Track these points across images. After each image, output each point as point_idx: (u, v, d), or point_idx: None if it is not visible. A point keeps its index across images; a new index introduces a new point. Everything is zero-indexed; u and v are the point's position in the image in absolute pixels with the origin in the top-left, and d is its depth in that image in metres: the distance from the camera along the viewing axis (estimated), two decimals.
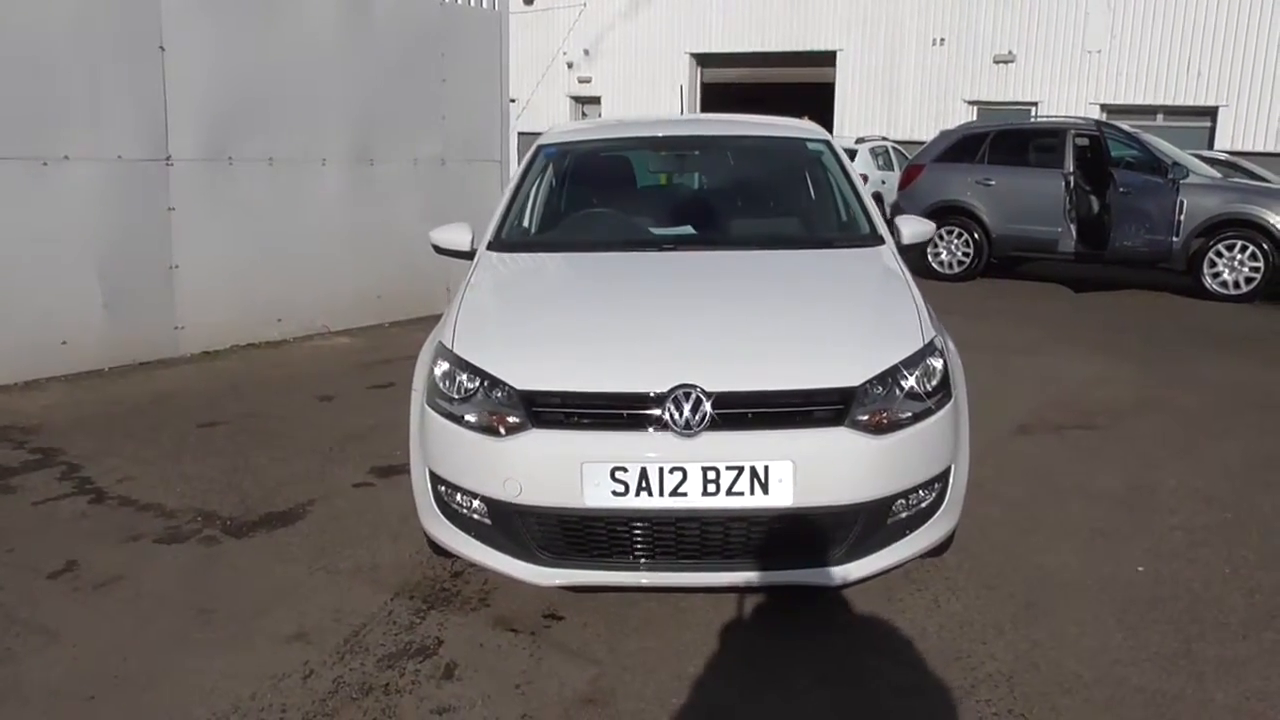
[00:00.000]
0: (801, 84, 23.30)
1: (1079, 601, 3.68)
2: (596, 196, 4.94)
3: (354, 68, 8.78)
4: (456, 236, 4.62)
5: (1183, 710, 2.97)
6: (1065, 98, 20.03)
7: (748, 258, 4.16)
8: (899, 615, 3.57)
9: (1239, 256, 11.36)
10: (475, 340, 3.54)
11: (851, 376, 3.28)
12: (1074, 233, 12.28)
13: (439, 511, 3.56)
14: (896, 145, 18.88)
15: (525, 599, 3.70)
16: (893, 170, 18.32)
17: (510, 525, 3.33)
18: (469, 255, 4.58)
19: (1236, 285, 11.39)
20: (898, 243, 4.36)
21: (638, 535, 3.23)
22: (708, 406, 3.16)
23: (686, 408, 3.17)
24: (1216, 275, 11.48)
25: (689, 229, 4.57)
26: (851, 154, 17.59)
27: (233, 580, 3.89)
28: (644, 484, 3.15)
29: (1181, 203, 11.47)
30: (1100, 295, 11.86)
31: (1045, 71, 20.31)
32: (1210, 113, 18.75)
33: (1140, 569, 3.96)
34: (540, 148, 4.89)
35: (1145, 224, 11.64)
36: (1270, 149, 17.98)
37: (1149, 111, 19.02)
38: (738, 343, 3.44)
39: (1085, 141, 12.45)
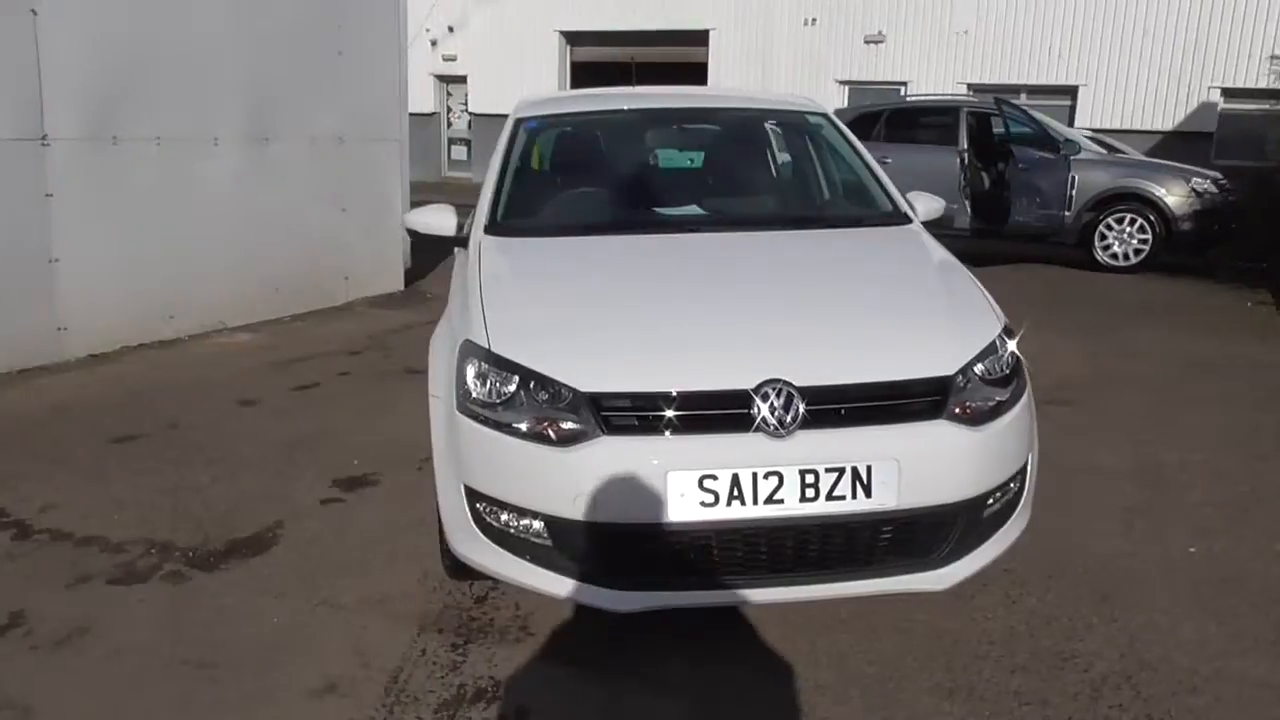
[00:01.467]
0: (675, 64, 23.06)
1: (1151, 588, 3.52)
2: (593, 173, 4.51)
3: (246, 37, 8.00)
4: (440, 220, 4.12)
5: None
6: (934, 77, 20.41)
7: (781, 238, 3.81)
8: (981, 616, 3.32)
9: (1128, 230, 11.72)
10: (515, 337, 3.08)
11: (945, 365, 2.99)
12: (968, 209, 12.43)
13: (478, 532, 3.10)
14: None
15: (572, 625, 3.29)
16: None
17: (579, 546, 2.91)
18: (455, 241, 4.10)
19: (1126, 257, 11.75)
20: None
21: (729, 549, 2.86)
22: (800, 403, 2.82)
23: (779, 405, 2.82)
24: (1107, 248, 11.82)
25: (698, 208, 4.19)
26: None
27: (221, 624, 3.33)
28: (736, 492, 2.79)
29: (1073, 178, 11.76)
30: (1000, 269, 12.04)
31: (914, 51, 20.64)
32: (1071, 91, 19.42)
33: (1192, 550, 3.84)
34: (520, 121, 4.41)
35: (1039, 199, 11.90)
36: (1125, 126, 18.73)
37: (1013, 90, 19.53)
38: (813, 332, 3.11)
39: (973, 120, 12.63)
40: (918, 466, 2.86)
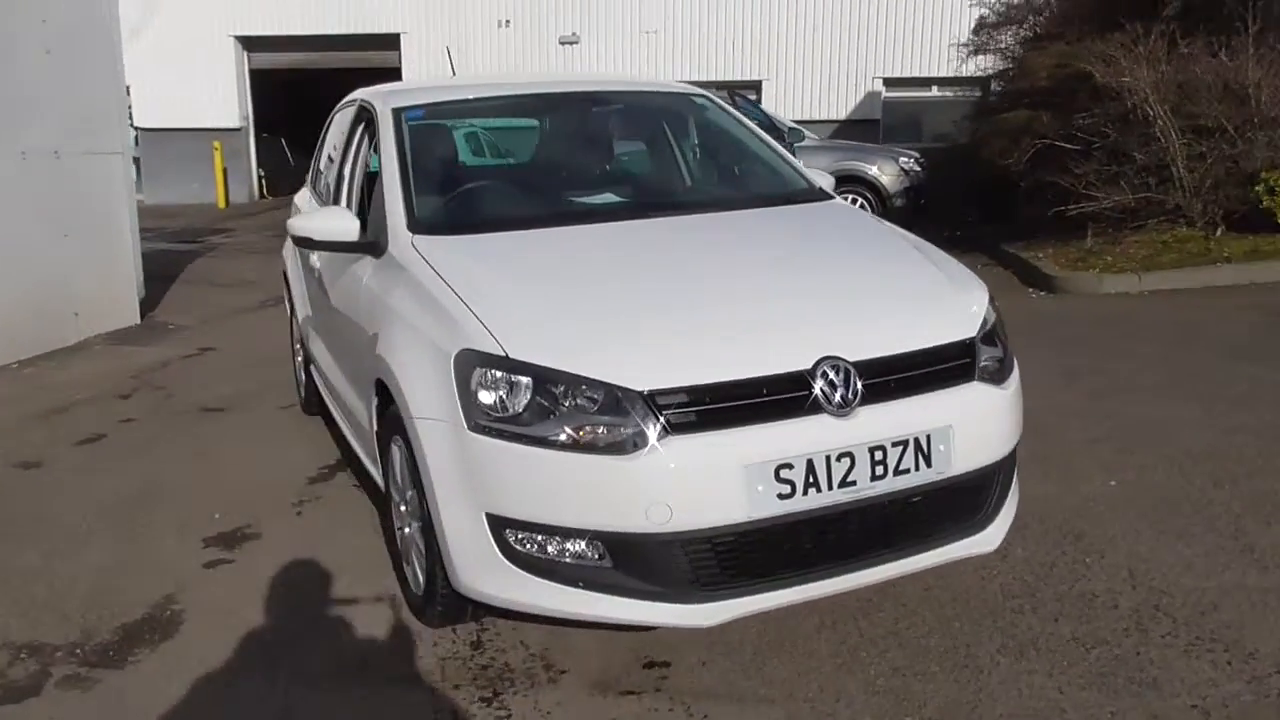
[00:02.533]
0: (367, 69, 22.11)
1: (1109, 523, 3.68)
2: (499, 163, 4.13)
3: None
4: (339, 224, 3.60)
5: None
6: (632, 74, 20.95)
7: (729, 219, 3.62)
8: (984, 573, 3.34)
9: None
10: (533, 339, 2.72)
11: (966, 328, 2.99)
12: None
13: (508, 563, 2.72)
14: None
15: (601, 653, 2.98)
16: None
17: (651, 562, 2.62)
18: (360, 248, 3.60)
19: None
20: None
21: (807, 540, 2.69)
22: (857, 379, 2.70)
23: (839, 383, 2.68)
24: None
25: (621, 195, 3.93)
26: None
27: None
28: (812, 479, 2.62)
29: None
30: None
31: (609, 52, 21.03)
32: (756, 85, 20.56)
33: (1112, 483, 4.09)
34: (399, 112, 3.94)
35: None
36: (806, 116, 20.11)
37: (704, 86, 20.49)
38: (843, 307, 2.98)
39: None
40: (967, 429, 2.83)
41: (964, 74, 17.99)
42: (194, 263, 12.32)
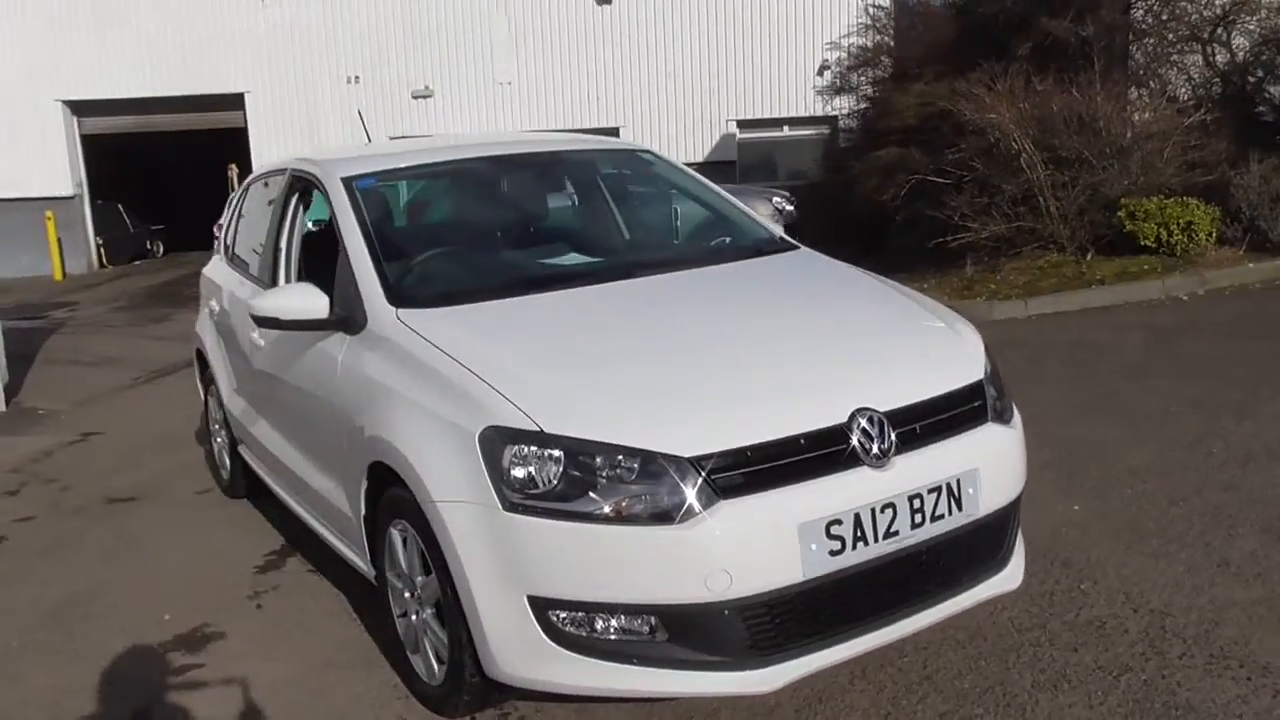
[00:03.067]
0: (212, 130, 21.32)
1: (1087, 547, 3.80)
2: (468, 230, 4.00)
3: None
4: (306, 303, 3.40)
5: None
6: (485, 128, 20.83)
7: (712, 275, 3.58)
8: (988, 607, 3.39)
9: None
10: (564, 411, 2.63)
11: (974, 370, 3.06)
12: None
13: (556, 646, 2.60)
14: None
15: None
16: None
17: (706, 632, 2.55)
18: (330, 325, 3.42)
19: None
20: None
21: (856, 594, 2.67)
22: (890, 429, 2.72)
23: (875, 434, 2.69)
24: None
25: (603, 254, 3.88)
26: None
27: None
28: (859, 532, 2.62)
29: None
30: None
31: (464, 104, 20.92)
32: (614, 132, 20.82)
33: (1076, 508, 4.23)
34: (349, 181, 3.77)
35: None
36: None
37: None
38: (860, 358, 2.99)
39: None
40: (990, 470, 2.88)
41: (815, 114, 18.77)
42: (49, 340, 11.57)
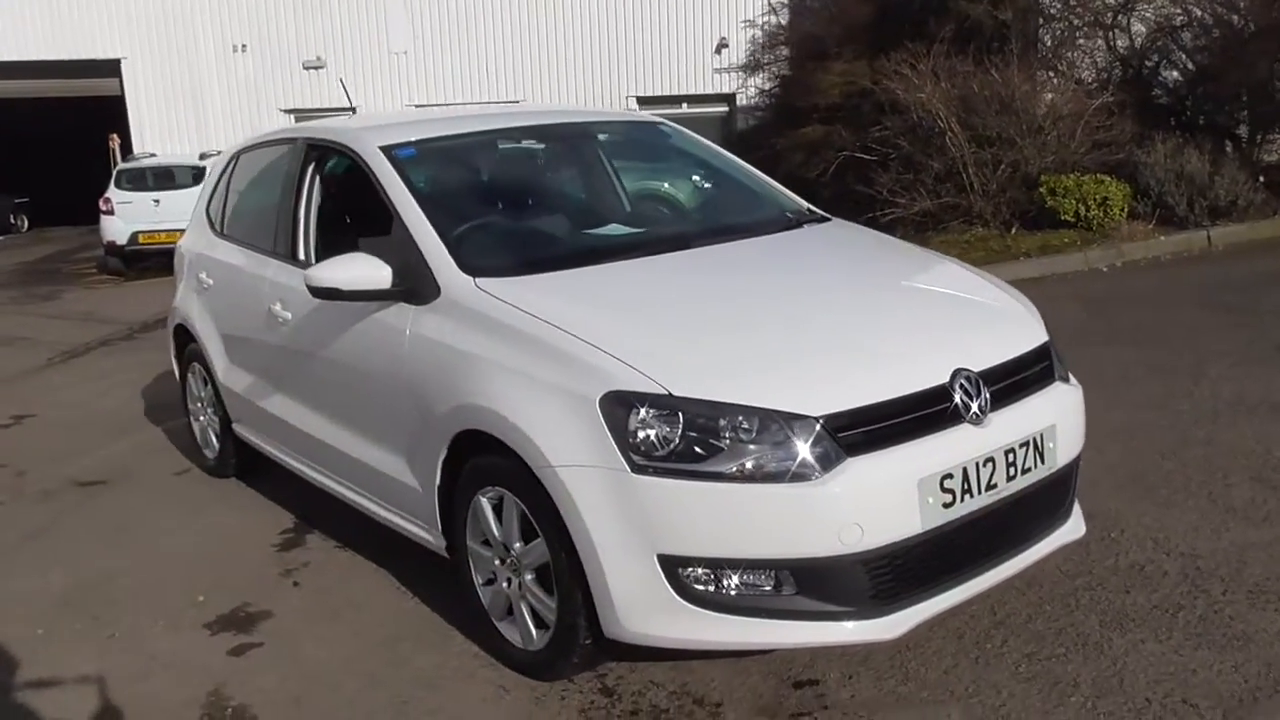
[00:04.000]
0: (87, 97, 20.19)
1: (1100, 497, 4.03)
2: (508, 201, 3.96)
3: None
4: (369, 273, 3.33)
5: None
6: (381, 100, 20.33)
7: (774, 245, 3.63)
8: None
9: None
10: (687, 374, 2.69)
11: (1038, 331, 3.24)
12: None
13: (684, 602, 2.67)
14: None
15: (741, 682, 2.97)
16: None
17: (833, 584, 2.66)
18: (388, 296, 3.37)
19: None
20: None
21: (961, 543, 2.81)
22: (985, 388, 2.88)
23: (973, 393, 2.84)
24: None
25: (657, 223, 3.92)
26: (202, 171, 15.91)
27: None
28: (966, 486, 2.77)
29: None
30: None
31: (357, 74, 20.33)
32: (515, 104, 20.69)
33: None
34: (388, 150, 3.71)
35: None
36: None
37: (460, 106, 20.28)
38: (944, 321, 3.15)
39: None
40: (1065, 425, 3.08)
41: (714, 92, 18.99)
42: None
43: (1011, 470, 2.87)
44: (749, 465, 2.60)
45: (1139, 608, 3.22)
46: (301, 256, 4.14)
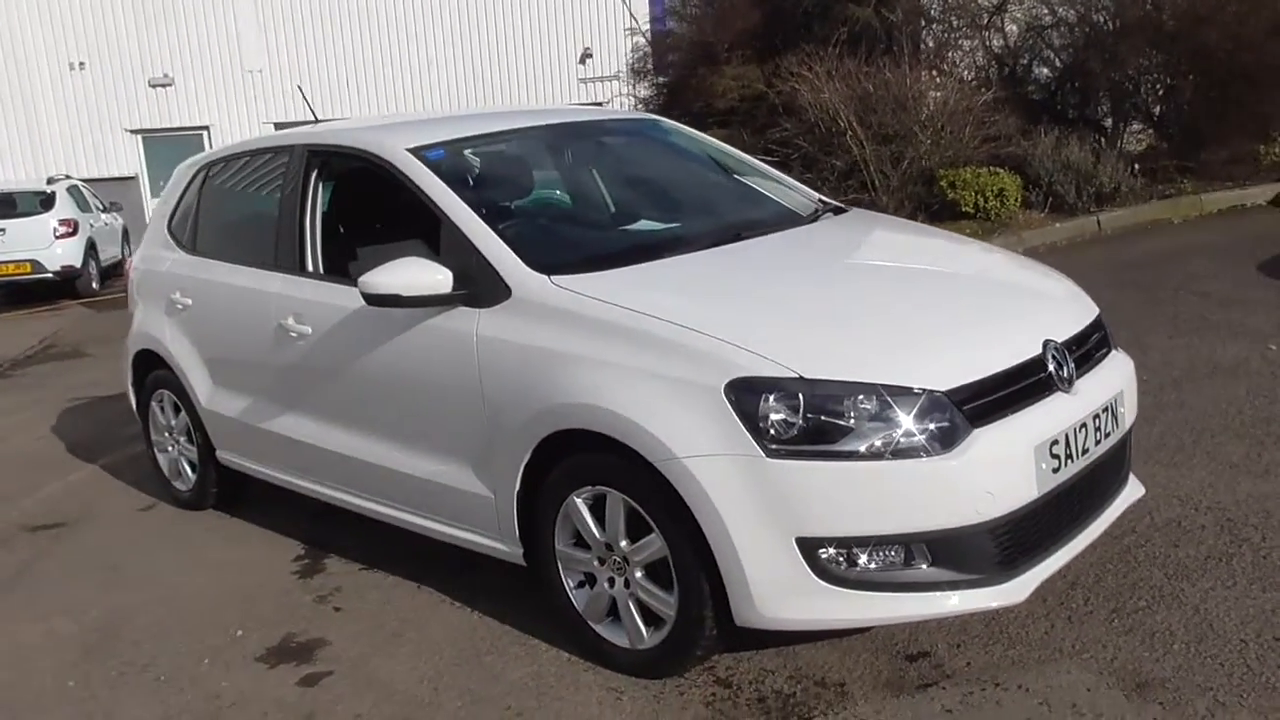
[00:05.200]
0: None
1: None
2: (540, 199, 3.87)
3: None
4: (430, 277, 3.21)
5: None
6: (236, 118, 19.54)
7: (810, 234, 3.68)
8: None
9: None
10: (812, 356, 2.72)
11: (1091, 306, 3.40)
12: None
13: (822, 583, 2.69)
14: (85, 182, 16.56)
15: (854, 660, 3.01)
16: (97, 212, 16.03)
17: (965, 554, 2.72)
18: (450, 301, 3.27)
19: None
20: None
21: (1063, 506, 2.93)
22: (1069, 357, 3.01)
23: (1062, 362, 2.97)
24: None
25: (669, 222, 3.88)
26: (50, 197, 14.95)
27: None
28: (1069, 451, 2.89)
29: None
30: None
31: (211, 93, 19.50)
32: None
33: None
34: (417, 152, 3.59)
35: None
36: None
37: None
38: (1013, 297, 3.28)
39: None
40: (1129, 391, 3.25)
41: (584, 103, 19.07)
42: None
43: (1098, 435, 3.01)
44: (880, 443, 2.64)
45: (1193, 559, 3.41)
46: (311, 268, 3.96)
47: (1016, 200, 9.60)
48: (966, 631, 3.11)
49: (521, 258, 3.23)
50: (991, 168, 9.68)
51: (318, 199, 4.00)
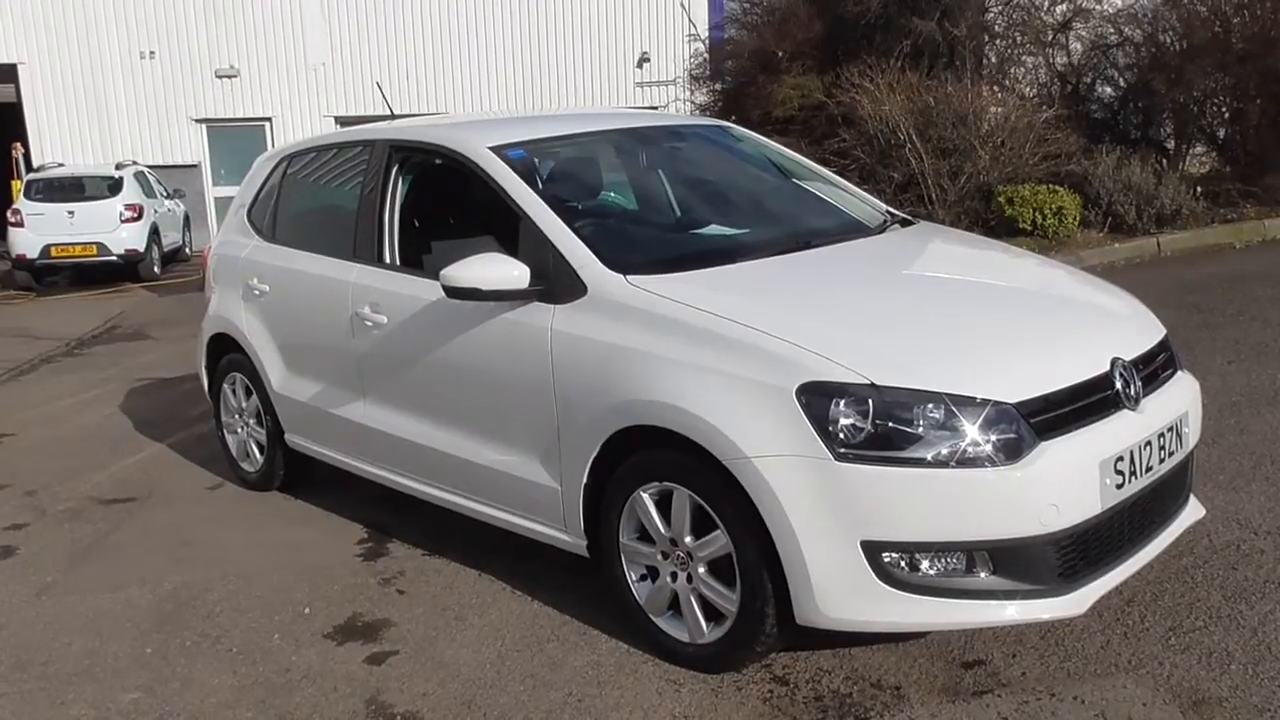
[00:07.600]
0: None
1: None
2: (613, 201, 3.97)
3: None
4: (509, 272, 3.32)
5: None
6: (298, 111, 19.89)
7: (880, 244, 3.75)
8: None
9: None
10: (887, 363, 2.78)
11: (1158, 326, 3.42)
12: None
13: (885, 586, 2.74)
14: (151, 169, 16.95)
15: (911, 665, 3.05)
16: (161, 199, 16.40)
17: (1027, 564, 2.76)
18: (526, 296, 3.36)
19: None
20: None
21: (1126, 522, 2.97)
22: (1136, 375, 3.04)
23: (1130, 380, 3.00)
24: None
25: (739, 228, 3.96)
26: (118, 182, 15.33)
27: None
28: (1134, 468, 2.92)
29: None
30: None
31: (274, 86, 19.85)
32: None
33: None
34: (498, 150, 3.71)
35: None
36: None
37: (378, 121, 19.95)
38: (1083, 314, 3.32)
39: None
40: (1193, 412, 3.27)
41: (640, 107, 19.17)
42: None
43: (1162, 453, 3.03)
44: (946, 451, 2.69)
45: (1252, 582, 3.42)
46: (388, 259, 4.08)
47: (1075, 219, 9.55)
48: (1022, 642, 3.14)
49: (598, 256, 3.32)
50: (1051, 185, 9.63)
51: (397, 193, 4.11)
